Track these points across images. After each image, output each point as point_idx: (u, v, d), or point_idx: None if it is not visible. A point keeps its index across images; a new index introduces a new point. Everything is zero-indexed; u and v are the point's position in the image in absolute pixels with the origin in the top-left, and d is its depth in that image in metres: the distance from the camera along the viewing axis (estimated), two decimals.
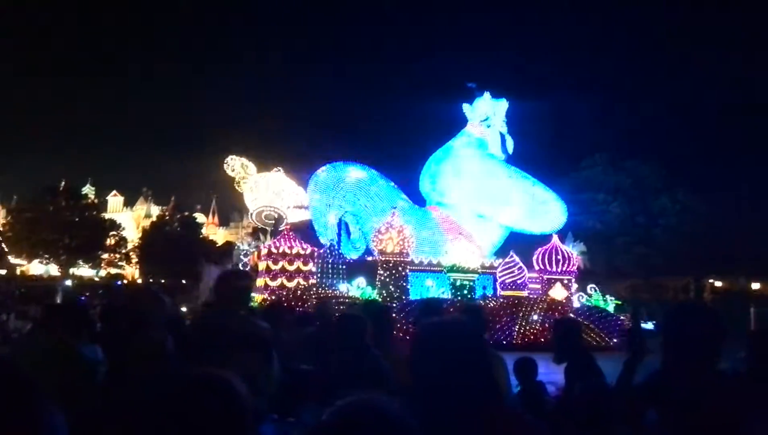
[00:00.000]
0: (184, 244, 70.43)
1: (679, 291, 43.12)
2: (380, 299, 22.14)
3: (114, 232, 75.71)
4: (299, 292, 21.60)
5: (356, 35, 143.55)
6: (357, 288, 22.72)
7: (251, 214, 24.44)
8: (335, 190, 25.06)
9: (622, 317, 23.13)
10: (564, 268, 24.11)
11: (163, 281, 68.95)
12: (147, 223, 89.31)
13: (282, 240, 22.82)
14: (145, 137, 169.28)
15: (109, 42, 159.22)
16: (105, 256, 74.36)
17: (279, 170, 24.75)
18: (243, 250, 24.20)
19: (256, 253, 23.74)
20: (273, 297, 20.66)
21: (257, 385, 3.47)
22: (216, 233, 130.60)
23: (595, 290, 24.05)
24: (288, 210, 24.43)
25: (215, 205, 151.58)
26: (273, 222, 24.05)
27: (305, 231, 24.58)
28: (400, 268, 23.37)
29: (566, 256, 24.30)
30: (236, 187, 24.38)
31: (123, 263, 76.02)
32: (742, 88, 59.74)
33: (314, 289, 21.94)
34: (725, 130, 56.61)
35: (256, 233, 24.30)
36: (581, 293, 24.20)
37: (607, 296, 23.91)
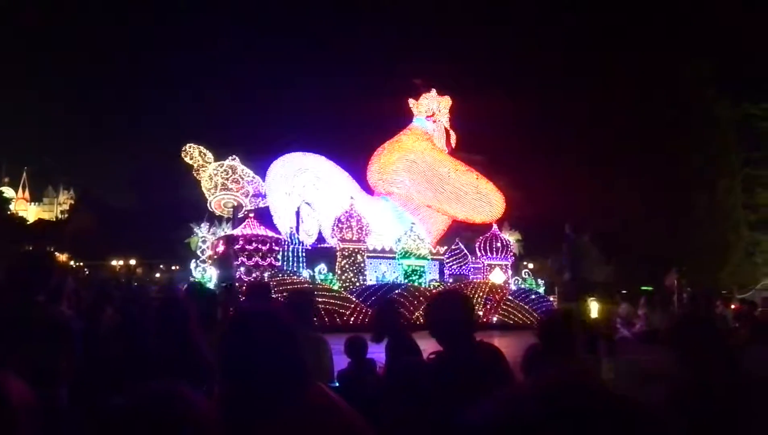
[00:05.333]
0: None
1: None
2: (340, 284, 23.24)
3: None
4: (266, 278, 21.93)
5: (309, 25, 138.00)
6: (318, 274, 23.50)
7: (210, 202, 23.97)
8: (294, 179, 25.38)
9: (551, 298, 26.31)
10: (502, 255, 26.78)
11: None
12: None
13: (246, 227, 22.85)
14: None
15: None
16: None
17: (234, 158, 24.50)
18: (201, 237, 23.65)
19: (215, 240, 23.40)
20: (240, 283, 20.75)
21: (58, 377, 3.29)
22: (27, 210, 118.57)
23: (529, 275, 27.01)
24: (246, 198, 24.30)
25: (26, 178, 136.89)
26: (231, 209, 23.82)
27: (263, 218, 24.61)
28: (357, 255, 24.51)
29: (504, 243, 26.96)
30: (194, 175, 23.70)
31: None
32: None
33: (280, 275, 22.37)
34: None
35: (214, 221, 23.83)
36: (517, 277, 27.00)
37: (538, 279, 27.01)
